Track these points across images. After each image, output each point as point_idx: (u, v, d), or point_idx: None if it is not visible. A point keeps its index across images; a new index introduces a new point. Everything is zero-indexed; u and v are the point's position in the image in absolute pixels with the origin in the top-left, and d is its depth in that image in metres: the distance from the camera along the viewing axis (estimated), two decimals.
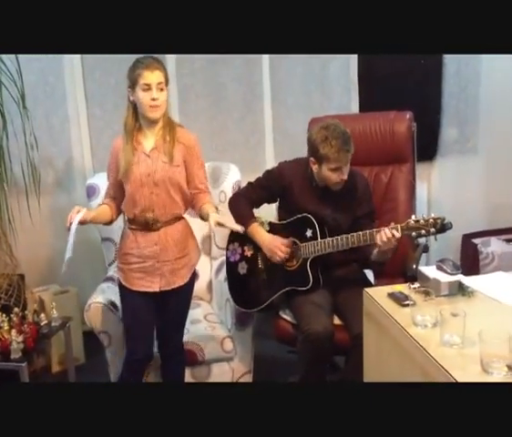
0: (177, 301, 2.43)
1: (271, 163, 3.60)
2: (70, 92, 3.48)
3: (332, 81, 3.66)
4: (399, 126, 2.90)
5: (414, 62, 3.60)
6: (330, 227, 2.47)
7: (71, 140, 3.53)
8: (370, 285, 2.55)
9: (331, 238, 2.42)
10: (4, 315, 2.75)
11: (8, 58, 3.00)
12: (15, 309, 2.80)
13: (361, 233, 2.33)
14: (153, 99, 2.20)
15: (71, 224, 2.17)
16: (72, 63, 3.44)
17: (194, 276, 2.49)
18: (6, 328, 2.66)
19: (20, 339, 2.58)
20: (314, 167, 2.44)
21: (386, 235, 2.23)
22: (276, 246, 2.53)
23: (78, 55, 3.44)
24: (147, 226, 2.32)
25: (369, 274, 2.74)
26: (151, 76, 2.20)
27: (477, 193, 3.86)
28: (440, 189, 3.88)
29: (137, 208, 2.30)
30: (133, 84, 2.23)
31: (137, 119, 2.30)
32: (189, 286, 2.46)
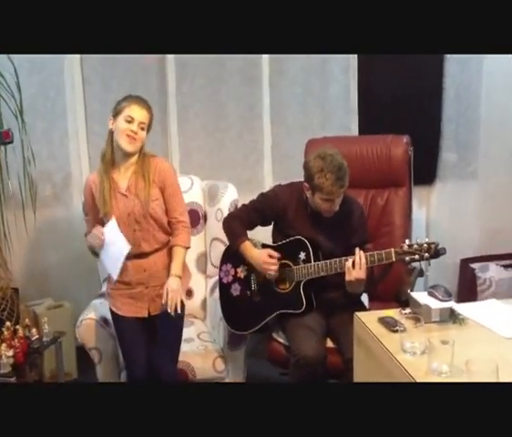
0: (166, 327, 2.40)
1: (269, 183, 3.60)
2: (70, 107, 3.49)
3: (332, 102, 3.66)
4: (396, 149, 2.90)
5: (415, 86, 3.61)
6: (324, 250, 2.46)
7: (70, 155, 3.53)
8: (364, 308, 2.54)
9: (324, 261, 2.41)
10: None
11: (8, 72, 3.02)
12: (7, 324, 2.77)
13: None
14: (132, 131, 2.22)
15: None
16: (73, 78, 3.45)
17: (182, 301, 2.43)
18: None
19: (10, 353, 2.55)
20: (308, 193, 2.44)
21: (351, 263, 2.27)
22: (265, 259, 2.51)
23: (79, 71, 3.45)
24: (134, 256, 2.32)
25: (364, 297, 2.72)
26: (137, 112, 2.24)
27: (476, 218, 3.83)
28: (439, 213, 3.86)
29: None
30: (117, 113, 2.26)
31: (113, 152, 2.30)
32: (180, 311, 2.42)
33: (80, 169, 3.54)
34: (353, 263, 2.29)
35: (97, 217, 2.35)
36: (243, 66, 3.59)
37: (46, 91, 3.44)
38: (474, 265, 3.69)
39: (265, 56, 3.58)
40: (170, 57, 3.50)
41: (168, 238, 2.41)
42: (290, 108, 3.68)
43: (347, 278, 2.31)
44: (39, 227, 3.34)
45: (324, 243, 2.47)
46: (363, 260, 2.28)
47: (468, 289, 3.58)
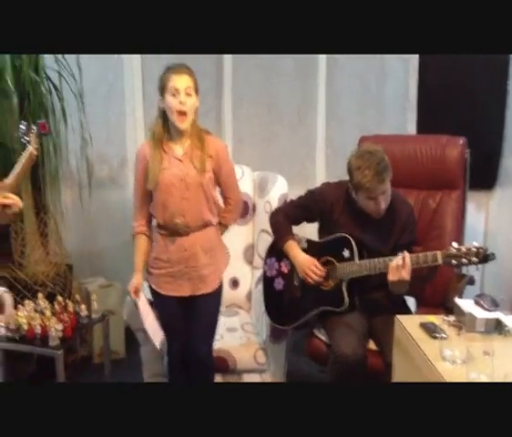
0: (205, 309, 2.43)
1: (320, 178, 3.57)
2: (128, 90, 3.57)
3: (389, 100, 3.59)
4: (451, 151, 2.80)
5: (477, 86, 3.47)
6: (369, 249, 2.42)
7: (126, 138, 3.62)
8: (408, 311, 2.48)
9: (368, 260, 2.37)
10: (48, 302, 2.85)
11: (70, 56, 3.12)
12: (59, 298, 2.89)
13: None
14: (181, 102, 2.23)
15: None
16: (132, 62, 3.53)
17: (222, 285, 2.49)
18: (48, 315, 2.74)
19: (59, 327, 2.66)
20: (353, 193, 2.41)
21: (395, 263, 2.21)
22: (309, 268, 2.50)
23: (138, 55, 3.52)
24: (176, 231, 2.34)
25: (411, 302, 2.66)
26: (179, 80, 2.24)
27: None
28: (498, 221, 3.71)
29: (167, 213, 2.32)
30: (162, 90, 2.27)
31: (166, 129, 2.33)
32: (217, 294, 2.46)
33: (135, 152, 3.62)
34: (397, 263, 2.24)
35: (144, 189, 2.36)
36: (299, 58, 3.57)
37: (105, 75, 3.53)
38: None
39: None
40: None
41: (211, 219, 2.40)
42: (345, 103, 3.63)
43: (390, 278, 2.26)
44: (95, 207, 3.44)
45: (370, 242, 2.43)
46: (408, 261, 2.23)
47: None
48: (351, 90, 3.61)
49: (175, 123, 2.26)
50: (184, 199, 2.30)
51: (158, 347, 2.42)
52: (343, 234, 2.45)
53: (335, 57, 3.55)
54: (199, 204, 2.33)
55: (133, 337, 2.93)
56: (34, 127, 2.06)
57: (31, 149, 2.03)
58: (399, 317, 2.00)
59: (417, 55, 3.48)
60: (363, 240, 2.43)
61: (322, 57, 3.55)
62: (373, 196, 2.31)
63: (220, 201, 2.49)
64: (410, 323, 1.93)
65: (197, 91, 2.29)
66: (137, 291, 2.39)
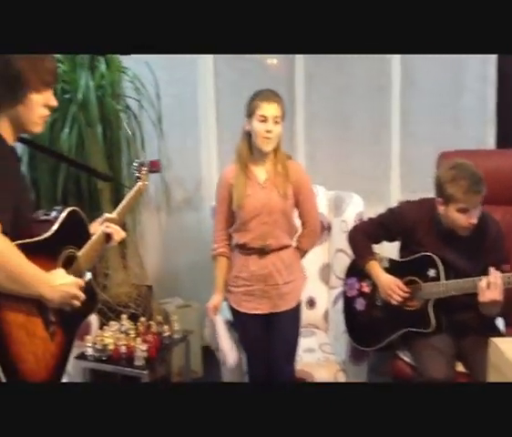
0: (285, 327, 2.44)
1: (396, 195, 3.52)
2: (202, 116, 3.65)
3: (466, 113, 3.50)
4: None
5: None
6: (455, 269, 2.35)
7: (201, 162, 3.70)
8: (498, 333, 2.39)
9: (455, 281, 2.31)
10: (131, 323, 2.93)
11: (149, 82, 3.23)
12: (142, 319, 2.96)
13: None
14: (267, 131, 2.26)
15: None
16: (205, 88, 3.61)
17: (300, 303, 2.51)
18: (133, 335, 2.82)
19: (144, 347, 2.72)
20: (441, 209, 2.34)
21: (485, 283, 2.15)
22: (392, 289, 2.46)
23: (212, 80, 3.60)
24: (257, 251, 2.38)
25: (499, 321, 2.56)
26: (268, 108, 2.27)
27: None
28: None
29: (248, 236, 2.38)
30: (250, 114, 2.31)
31: (250, 150, 2.37)
32: (297, 313, 2.48)
33: (210, 176, 3.69)
34: (488, 283, 2.17)
35: (228, 209, 2.42)
36: (371, 75, 3.55)
37: (181, 101, 3.63)
38: None
39: (395, 65, 3.50)
40: (299, 66, 3.55)
41: (290, 243, 2.45)
42: (420, 119, 3.57)
43: (481, 299, 2.19)
44: (171, 229, 3.54)
45: (456, 261, 2.36)
46: (499, 281, 2.15)
47: None
48: (425, 106, 3.55)
49: (259, 146, 2.31)
50: (266, 224, 2.35)
51: (231, 366, 2.47)
52: (428, 253, 2.39)
53: (409, 73, 3.51)
54: (279, 229, 2.38)
55: (210, 356, 2.96)
56: (145, 164, 2.18)
57: (140, 185, 2.12)
58: (495, 340, 1.92)
59: (494, 67, 3.39)
60: (450, 260, 2.37)
61: (396, 73, 3.50)
62: (467, 208, 2.25)
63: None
64: (508, 347, 1.84)
65: (283, 118, 2.33)
66: (215, 310, 2.45)
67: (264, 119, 2.27)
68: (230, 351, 2.47)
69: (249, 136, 2.36)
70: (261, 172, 2.38)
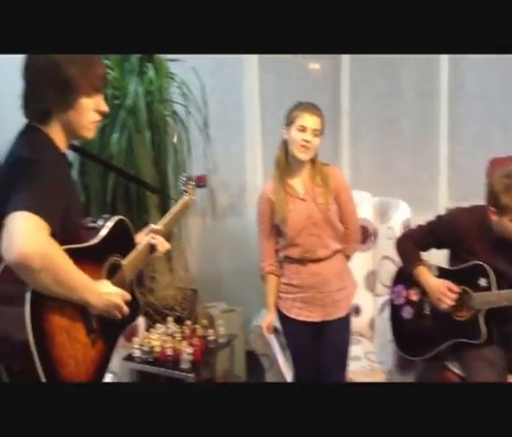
0: (337, 334, 2.43)
1: (443, 202, 3.45)
2: (248, 122, 3.67)
3: None
4: None
5: None
6: (508, 278, 2.29)
7: (246, 167, 3.72)
8: None
9: (508, 291, 2.25)
10: (177, 326, 2.97)
11: (196, 87, 3.27)
12: (188, 322, 3.00)
13: None
14: (305, 140, 2.26)
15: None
16: (250, 93, 3.63)
17: (351, 310, 2.50)
18: (178, 338, 2.86)
19: (190, 350, 2.74)
20: (494, 218, 2.29)
21: None
22: (443, 292, 2.41)
23: (257, 86, 3.62)
24: (308, 260, 2.38)
25: None
26: (309, 120, 2.27)
27: None
28: None
29: (296, 250, 2.38)
30: (289, 123, 2.31)
31: (286, 159, 2.37)
32: (348, 320, 2.47)
33: (255, 181, 3.71)
34: None
35: (272, 225, 2.42)
36: (418, 80, 3.51)
37: (226, 106, 3.66)
38: None
39: (443, 68, 3.44)
40: (344, 71, 3.53)
41: (339, 247, 2.44)
42: (468, 125, 3.50)
43: None
44: (216, 234, 3.57)
45: (509, 270, 2.30)
46: None
47: None
48: (474, 111, 3.47)
49: (296, 154, 2.31)
50: (313, 236, 2.36)
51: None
52: (479, 262, 2.34)
53: (457, 78, 3.44)
54: (327, 237, 2.38)
55: (253, 361, 2.97)
56: (192, 179, 2.19)
57: (187, 199, 2.13)
58: None
59: None
60: (502, 269, 2.31)
61: (444, 78, 3.44)
62: None
63: None
64: None
65: (322, 132, 2.33)
66: (270, 329, 2.49)
67: (303, 129, 2.27)
68: (287, 372, 2.56)
69: (286, 145, 2.36)
70: (298, 185, 2.38)
